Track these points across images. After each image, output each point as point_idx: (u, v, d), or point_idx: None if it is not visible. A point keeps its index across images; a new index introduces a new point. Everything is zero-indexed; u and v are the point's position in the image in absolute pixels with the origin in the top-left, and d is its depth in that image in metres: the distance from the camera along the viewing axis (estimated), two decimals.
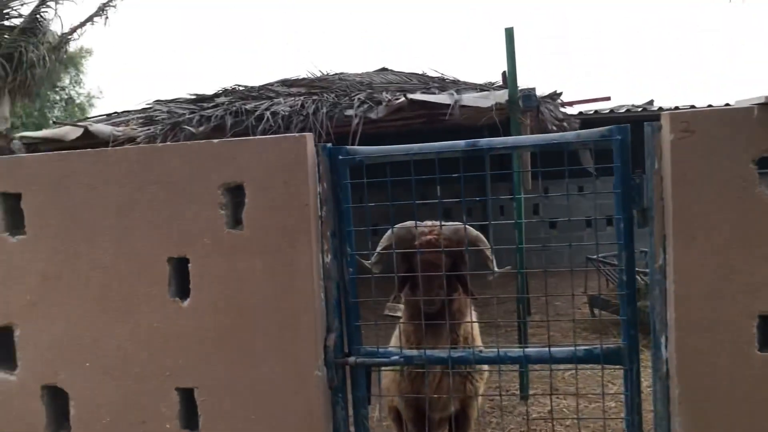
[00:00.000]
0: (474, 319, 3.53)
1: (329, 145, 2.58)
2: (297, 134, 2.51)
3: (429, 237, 3.16)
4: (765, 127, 2.17)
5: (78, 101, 29.59)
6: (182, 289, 2.63)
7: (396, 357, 2.65)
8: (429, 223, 3.27)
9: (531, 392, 5.47)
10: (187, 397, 2.64)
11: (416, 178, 2.50)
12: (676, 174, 2.22)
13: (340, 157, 2.57)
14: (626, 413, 2.48)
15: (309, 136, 2.52)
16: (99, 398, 2.70)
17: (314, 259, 2.50)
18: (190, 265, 2.59)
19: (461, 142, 2.50)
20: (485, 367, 3.53)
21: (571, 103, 7.61)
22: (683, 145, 2.21)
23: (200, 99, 7.90)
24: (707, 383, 2.24)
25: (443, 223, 3.04)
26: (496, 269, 3.27)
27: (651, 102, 12.32)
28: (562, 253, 11.61)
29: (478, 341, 3.57)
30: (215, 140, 2.61)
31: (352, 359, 2.60)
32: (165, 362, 2.63)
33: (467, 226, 3.06)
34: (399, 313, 3.01)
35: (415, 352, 2.74)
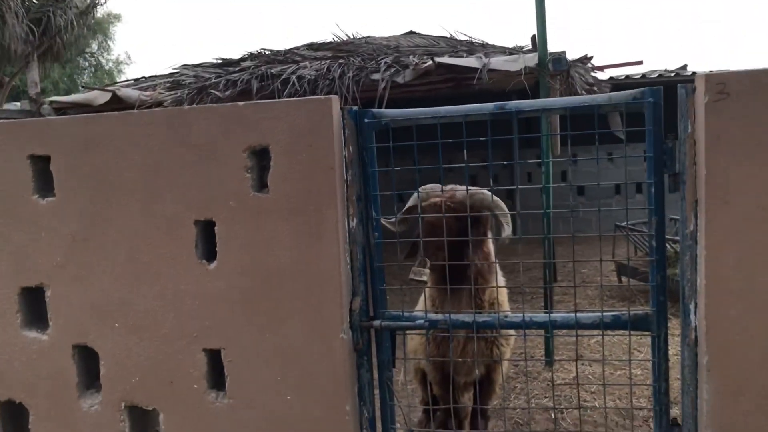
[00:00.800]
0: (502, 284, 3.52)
1: (355, 108, 2.55)
2: (322, 97, 2.48)
3: (435, 200, 3.12)
4: None
5: (106, 67, 29.79)
6: (209, 252, 2.64)
7: (420, 321, 2.65)
8: (450, 187, 3.23)
9: (556, 358, 5.46)
10: (214, 358, 2.68)
11: (443, 141, 2.46)
12: (710, 137, 2.16)
13: (366, 120, 2.54)
14: (653, 380, 2.46)
15: (334, 99, 2.49)
16: (128, 358, 2.74)
17: (340, 223, 2.49)
18: (216, 227, 2.60)
19: (489, 105, 2.46)
20: (511, 332, 3.53)
21: (601, 68, 7.41)
22: (718, 108, 2.14)
23: (226, 63, 7.90)
24: (737, 350, 2.20)
25: (469, 188, 3.01)
26: (504, 234, 3.22)
27: (684, 67, 12.01)
28: (590, 220, 11.53)
29: (506, 306, 3.56)
30: (241, 103, 2.59)
31: (377, 322, 2.60)
32: (192, 323, 2.66)
33: (485, 191, 3.02)
34: (425, 278, 2.99)
35: (440, 316, 2.73)
